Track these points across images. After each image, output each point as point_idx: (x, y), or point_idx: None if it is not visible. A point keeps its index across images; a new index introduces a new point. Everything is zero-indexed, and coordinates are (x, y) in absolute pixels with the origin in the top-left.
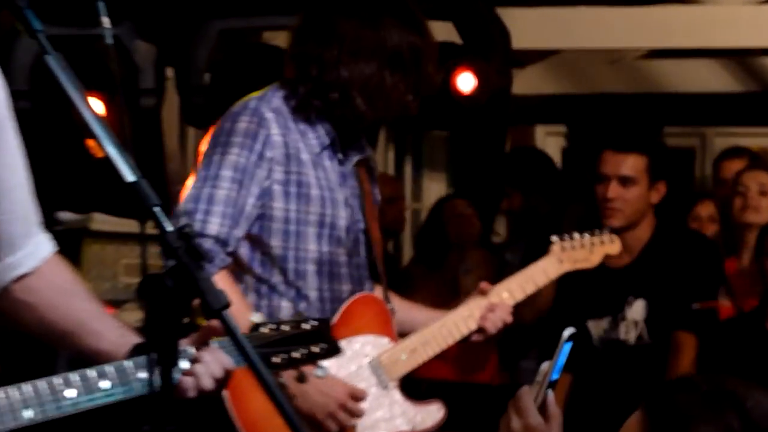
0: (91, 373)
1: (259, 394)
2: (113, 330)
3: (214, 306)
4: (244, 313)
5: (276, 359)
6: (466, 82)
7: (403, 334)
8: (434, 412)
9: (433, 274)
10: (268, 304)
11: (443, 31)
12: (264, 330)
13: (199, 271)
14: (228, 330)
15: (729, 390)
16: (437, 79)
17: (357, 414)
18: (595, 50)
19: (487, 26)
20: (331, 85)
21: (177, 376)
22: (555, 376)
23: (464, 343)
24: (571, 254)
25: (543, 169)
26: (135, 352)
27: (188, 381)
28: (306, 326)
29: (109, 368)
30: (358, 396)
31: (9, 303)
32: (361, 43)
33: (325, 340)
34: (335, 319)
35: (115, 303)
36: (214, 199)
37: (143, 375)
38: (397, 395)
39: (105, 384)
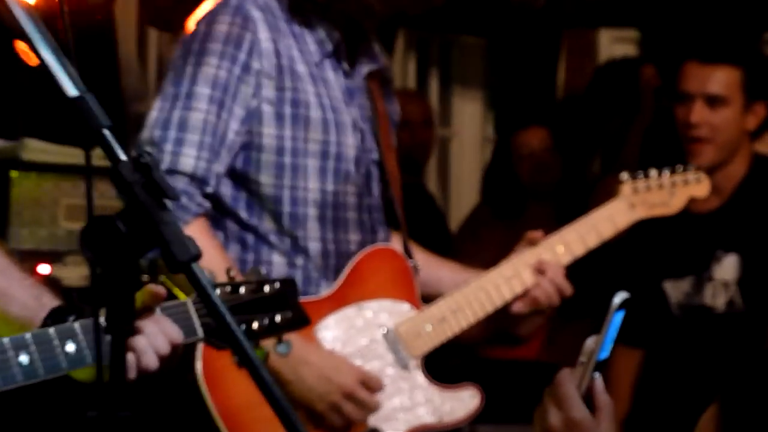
0: (4, 344)
1: (241, 377)
2: (26, 287)
3: (180, 257)
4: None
5: None
6: None
7: (428, 299)
8: (467, 399)
9: (505, 225)
10: (255, 259)
11: None
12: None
13: (161, 212)
14: (198, 289)
15: None
16: None
17: (369, 407)
18: None
19: None
20: None
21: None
22: (604, 355)
23: (506, 312)
24: (645, 197)
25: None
26: (53, 317)
27: (128, 358)
28: (267, 289)
29: (27, 338)
30: (371, 383)
31: None
32: None
33: (290, 307)
34: (341, 278)
35: (54, 255)
36: (188, 125)
37: (71, 347)
38: (419, 377)
39: (23, 358)
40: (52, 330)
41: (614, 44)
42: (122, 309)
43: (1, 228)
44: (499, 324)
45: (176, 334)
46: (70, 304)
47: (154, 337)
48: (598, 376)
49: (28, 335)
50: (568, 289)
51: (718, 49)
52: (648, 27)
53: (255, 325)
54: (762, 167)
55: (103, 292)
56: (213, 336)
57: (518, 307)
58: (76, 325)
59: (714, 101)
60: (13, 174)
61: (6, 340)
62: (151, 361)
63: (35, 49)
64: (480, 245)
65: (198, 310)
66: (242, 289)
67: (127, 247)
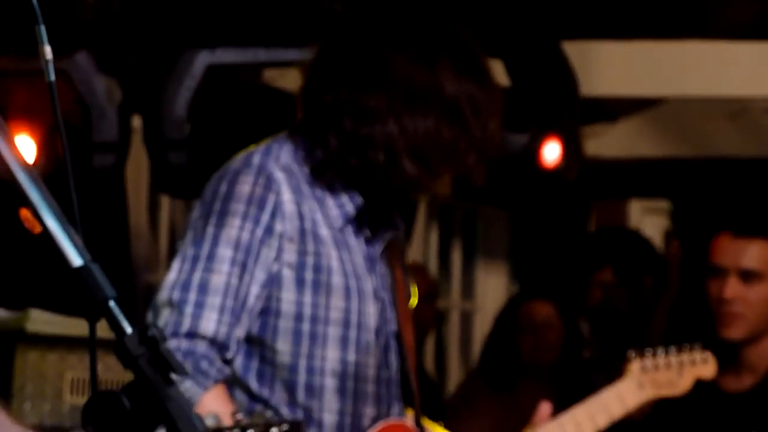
0: None
1: None
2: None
3: None
4: None
5: None
6: (550, 151)
7: None
8: None
9: (500, 397)
10: None
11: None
12: None
13: (167, 387)
14: None
15: None
16: (499, 138)
17: None
18: (709, 100)
19: (543, 66)
20: (370, 141)
21: None
22: None
23: None
24: (653, 377)
25: (641, 252)
26: None
27: None
28: (274, 430)
29: None
30: None
31: None
32: (415, 88)
33: None
34: None
35: (58, 431)
36: (209, 287)
37: None
38: None
39: None
40: None
41: (645, 215)
42: None
43: (5, 401)
44: None
45: None
46: None
47: None
48: None
49: None
50: None
51: (753, 221)
52: (680, 198)
53: None
54: None
55: None
56: None
57: None
58: None
59: (749, 276)
60: (19, 346)
61: None
62: None
63: (39, 216)
64: (475, 414)
65: None
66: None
67: (132, 425)
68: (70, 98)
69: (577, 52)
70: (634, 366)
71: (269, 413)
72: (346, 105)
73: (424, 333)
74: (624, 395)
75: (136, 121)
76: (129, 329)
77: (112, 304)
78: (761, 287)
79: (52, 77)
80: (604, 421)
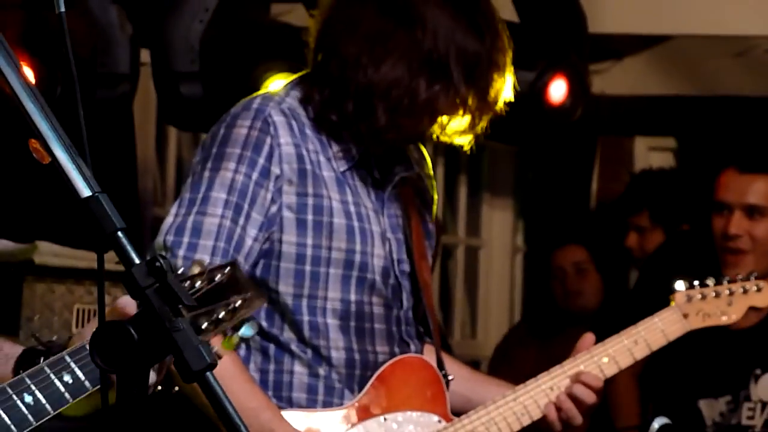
0: (5, 389)
1: None
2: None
3: (194, 366)
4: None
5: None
6: (556, 89)
7: (461, 412)
8: None
9: (537, 341)
10: (275, 369)
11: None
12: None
13: (175, 318)
14: (211, 398)
15: None
16: (501, 97)
17: None
18: (714, 38)
19: (555, 5)
20: (349, 88)
21: None
22: None
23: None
24: (700, 306)
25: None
26: (23, 363)
27: None
28: (219, 277)
29: (24, 379)
30: None
31: None
32: (390, 38)
33: (245, 287)
34: (365, 389)
35: None
36: (202, 230)
37: (68, 378)
38: None
39: (28, 398)
40: (45, 366)
41: (650, 153)
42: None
43: (13, 332)
44: None
45: None
46: (32, 349)
47: None
48: None
49: (24, 376)
50: (592, 401)
51: (758, 157)
52: (684, 136)
53: (221, 314)
54: None
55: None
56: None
57: (553, 417)
58: (66, 357)
59: (754, 212)
60: (27, 278)
61: (4, 385)
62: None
63: (48, 147)
64: (515, 365)
65: None
66: (198, 283)
67: (139, 355)
68: (80, 29)
69: None
70: (680, 296)
71: (205, 261)
72: (331, 51)
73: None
74: (666, 326)
75: (145, 57)
76: (137, 260)
77: (120, 235)
78: (767, 223)
79: (63, 8)
80: (642, 353)
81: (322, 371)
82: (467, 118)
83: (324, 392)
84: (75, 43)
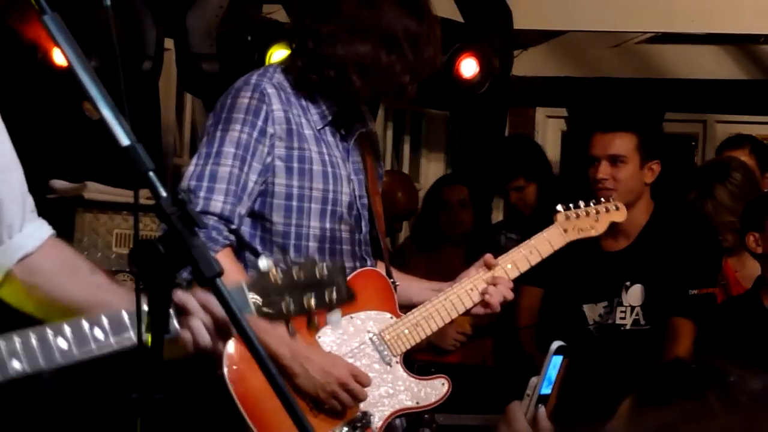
0: (84, 323)
1: (260, 373)
2: (123, 296)
3: (207, 274)
4: None
5: (286, 306)
6: (468, 67)
7: (404, 309)
8: (438, 386)
9: (426, 256)
10: None
11: (445, 8)
12: (273, 275)
13: (192, 237)
14: (221, 300)
15: (713, 367)
16: (437, 63)
17: (359, 396)
18: (598, 33)
19: (489, 6)
20: (325, 60)
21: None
22: (545, 391)
23: (467, 315)
24: (576, 223)
25: (540, 156)
26: None
27: (185, 334)
28: (317, 272)
29: (103, 318)
30: (360, 377)
31: (14, 286)
32: (358, 21)
33: (338, 285)
34: None
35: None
36: (217, 176)
37: (100, 334)
38: (400, 371)
39: (98, 334)
40: (83, 320)
41: (548, 120)
42: (161, 311)
43: None
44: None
45: (219, 310)
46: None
47: (204, 315)
48: (541, 408)
49: (65, 324)
50: (510, 296)
51: (615, 119)
52: (575, 107)
53: (306, 300)
54: (661, 215)
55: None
56: (259, 313)
57: (476, 311)
58: (123, 314)
59: (615, 160)
60: (77, 209)
61: (47, 326)
62: (204, 339)
63: (97, 107)
64: (406, 269)
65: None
66: (297, 271)
67: (166, 265)
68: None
69: None
70: (560, 216)
71: (317, 258)
72: (309, 32)
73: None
74: (552, 239)
75: (168, 44)
76: (164, 193)
77: (151, 174)
78: (626, 168)
79: (108, 2)
80: (536, 259)
81: None
82: (408, 78)
83: None
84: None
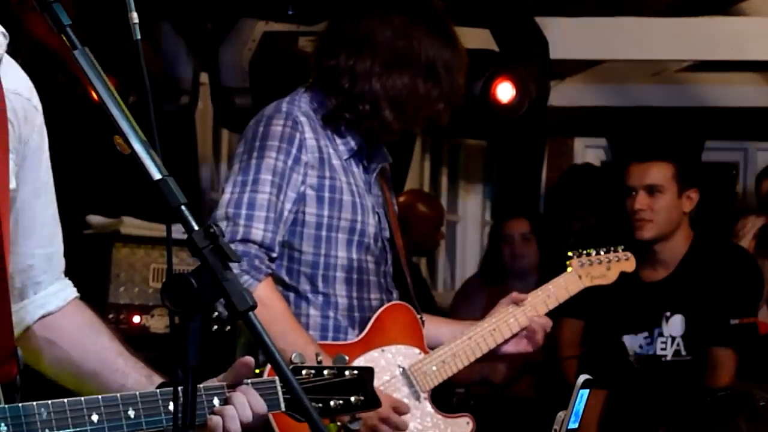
0: (118, 399)
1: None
2: (139, 368)
3: (240, 307)
4: (294, 331)
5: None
6: (504, 91)
7: (432, 347)
8: (463, 425)
9: (490, 290)
10: (295, 312)
11: (481, 38)
12: (303, 372)
13: (224, 271)
14: (253, 333)
15: (742, 392)
16: (463, 90)
17: (400, 428)
18: (636, 62)
19: (525, 35)
20: (361, 96)
21: (208, 412)
22: (573, 425)
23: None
24: (589, 270)
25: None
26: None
27: (216, 420)
28: (347, 374)
29: (136, 396)
30: (401, 409)
31: (32, 342)
32: (395, 54)
33: (365, 392)
34: (368, 327)
35: (143, 308)
36: (256, 204)
37: (171, 407)
38: (428, 407)
39: (131, 412)
40: (157, 391)
41: (587, 150)
42: (196, 347)
43: (104, 286)
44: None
45: (261, 406)
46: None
47: (242, 407)
48: None
49: (137, 393)
50: (549, 325)
51: (651, 149)
52: (614, 137)
53: (332, 403)
54: (701, 245)
55: (179, 335)
56: (292, 410)
57: (506, 349)
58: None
59: (652, 190)
60: (114, 244)
61: (119, 395)
62: (235, 428)
63: (128, 141)
64: (471, 303)
65: (282, 387)
66: (326, 372)
67: (198, 299)
68: (152, 55)
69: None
70: (574, 262)
71: (347, 357)
72: (343, 71)
73: (433, 250)
74: (568, 285)
75: (204, 79)
76: (196, 227)
77: (183, 208)
78: (663, 198)
79: (138, 36)
80: (552, 304)
81: (331, 314)
82: (442, 105)
83: (333, 330)
84: (148, 65)
